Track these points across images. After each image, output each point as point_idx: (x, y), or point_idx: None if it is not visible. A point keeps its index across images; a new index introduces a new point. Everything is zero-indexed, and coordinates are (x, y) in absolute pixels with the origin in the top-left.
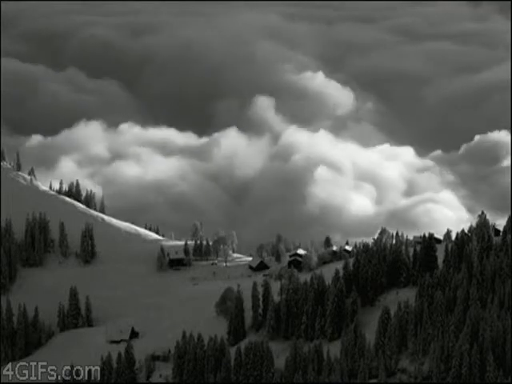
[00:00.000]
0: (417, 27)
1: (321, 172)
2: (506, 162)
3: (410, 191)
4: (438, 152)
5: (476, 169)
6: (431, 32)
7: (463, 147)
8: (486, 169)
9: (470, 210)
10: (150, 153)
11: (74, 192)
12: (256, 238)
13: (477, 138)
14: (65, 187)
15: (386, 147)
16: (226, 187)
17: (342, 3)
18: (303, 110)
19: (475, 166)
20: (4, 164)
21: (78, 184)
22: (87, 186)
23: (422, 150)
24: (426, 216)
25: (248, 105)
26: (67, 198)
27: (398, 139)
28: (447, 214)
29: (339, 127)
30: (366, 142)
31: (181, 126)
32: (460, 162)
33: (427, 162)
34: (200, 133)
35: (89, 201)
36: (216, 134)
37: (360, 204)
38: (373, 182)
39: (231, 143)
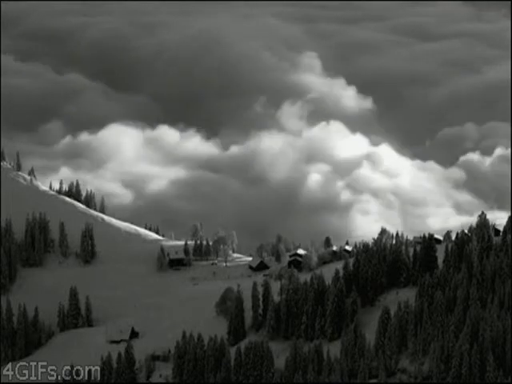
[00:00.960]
0: (423, 27)
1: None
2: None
3: None
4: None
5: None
6: (433, 32)
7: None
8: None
9: None
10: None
11: (73, 192)
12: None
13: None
14: (65, 187)
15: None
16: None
17: (346, 3)
18: (302, 111)
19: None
20: (4, 164)
21: (78, 184)
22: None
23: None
24: None
25: (247, 105)
26: (67, 198)
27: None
28: None
29: (336, 127)
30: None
31: (181, 125)
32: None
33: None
34: (183, 129)
35: (89, 201)
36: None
37: None
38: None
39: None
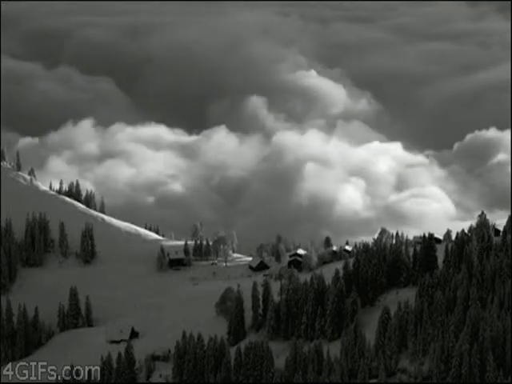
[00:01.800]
0: (414, 27)
1: (309, 168)
2: (496, 159)
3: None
4: (430, 151)
5: (467, 166)
6: (429, 32)
7: (456, 145)
8: (476, 166)
9: (457, 205)
10: (142, 151)
11: (73, 192)
12: (259, 239)
13: (468, 136)
14: (65, 187)
15: (376, 144)
16: (218, 187)
17: (339, 3)
18: (297, 109)
19: (466, 164)
20: (4, 164)
21: (78, 184)
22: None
23: (415, 148)
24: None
25: (242, 104)
26: (67, 198)
27: (390, 137)
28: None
29: (332, 126)
30: (358, 141)
31: (175, 125)
32: (452, 160)
33: (418, 158)
34: (192, 132)
35: (89, 201)
36: (207, 132)
37: (350, 197)
38: (363, 177)
39: (222, 142)
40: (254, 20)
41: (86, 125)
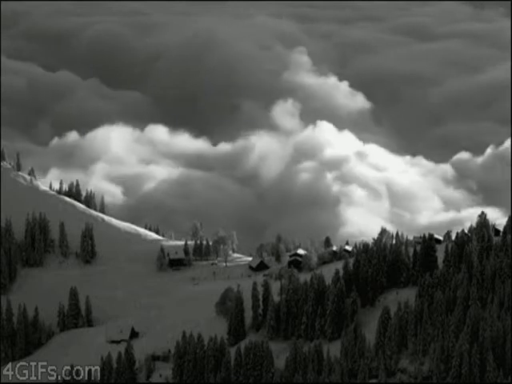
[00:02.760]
0: (423, 27)
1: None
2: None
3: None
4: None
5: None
6: (437, 32)
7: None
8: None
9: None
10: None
11: (73, 192)
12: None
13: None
14: (65, 187)
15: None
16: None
17: (349, 3)
18: (310, 112)
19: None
20: (4, 164)
21: (78, 184)
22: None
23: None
24: None
25: (269, 107)
26: (67, 198)
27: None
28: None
29: (355, 129)
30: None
31: (184, 128)
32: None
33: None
34: (213, 137)
35: (89, 201)
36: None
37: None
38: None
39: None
40: (267, 19)
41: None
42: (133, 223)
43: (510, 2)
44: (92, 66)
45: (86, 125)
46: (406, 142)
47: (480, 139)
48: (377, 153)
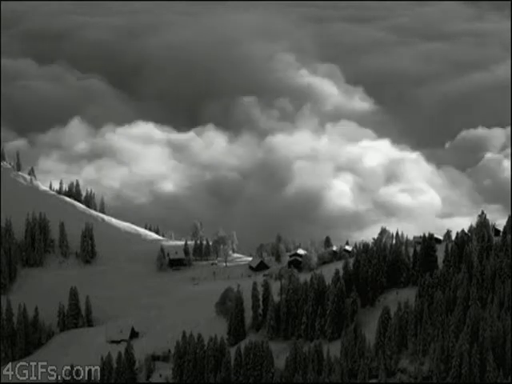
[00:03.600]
0: (412, 27)
1: (300, 165)
2: (487, 157)
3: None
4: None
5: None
6: (429, 32)
7: (447, 144)
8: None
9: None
10: (138, 150)
11: (73, 192)
12: (259, 239)
13: (461, 133)
14: (65, 187)
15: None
16: (214, 187)
17: (338, 3)
18: (296, 109)
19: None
20: (4, 164)
21: (77, 184)
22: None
23: (407, 145)
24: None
25: (236, 104)
26: (67, 198)
27: (382, 134)
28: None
29: (328, 125)
30: (352, 139)
31: (172, 125)
32: (444, 158)
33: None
34: (188, 131)
35: (89, 201)
36: (197, 131)
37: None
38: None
39: (212, 142)
40: (248, 20)
41: (76, 124)
42: (132, 223)
43: (507, 2)
44: (90, 65)
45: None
46: (407, 142)
47: (481, 140)
48: (373, 152)
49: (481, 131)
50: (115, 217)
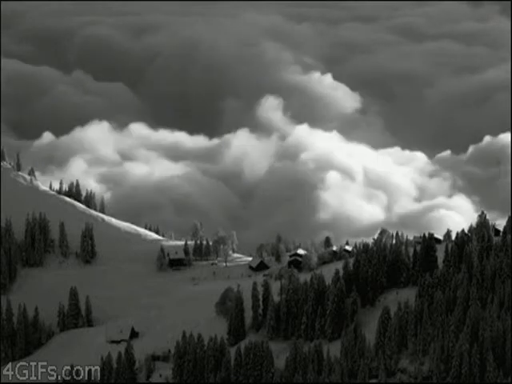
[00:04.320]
0: (419, 27)
1: (331, 177)
2: None
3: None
4: (447, 153)
5: (484, 171)
6: (433, 32)
7: (471, 148)
8: (494, 171)
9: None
10: (157, 154)
11: (73, 192)
12: (259, 239)
13: (485, 139)
14: (65, 187)
15: (396, 150)
16: (233, 188)
17: (345, 3)
18: (308, 111)
19: (483, 168)
20: (4, 164)
21: (78, 184)
22: (95, 187)
23: (431, 151)
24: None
25: (254, 105)
26: (67, 198)
27: (406, 141)
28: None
29: (345, 128)
30: (373, 144)
31: (187, 127)
32: (468, 163)
33: (437, 166)
34: (208, 134)
35: (89, 201)
36: (226, 136)
37: (371, 212)
38: (383, 189)
39: (239, 144)
40: (261, 20)
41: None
42: (133, 223)
43: (508, 2)
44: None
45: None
46: (396, 141)
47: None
48: (365, 153)
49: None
50: (114, 217)
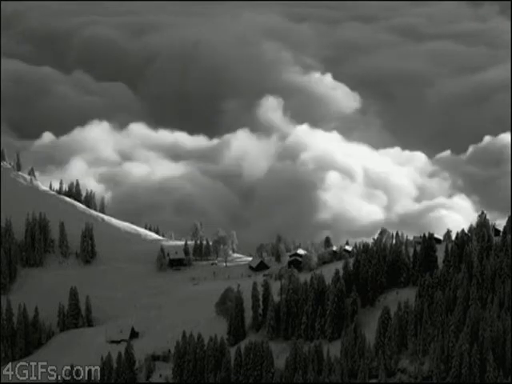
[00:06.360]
0: (419, 27)
1: (331, 177)
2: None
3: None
4: (447, 153)
5: (484, 171)
6: (433, 32)
7: (471, 148)
8: (494, 171)
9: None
10: (157, 154)
11: (73, 192)
12: (259, 239)
13: (485, 139)
14: (65, 187)
15: (396, 151)
16: (233, 188)
17: (345, 3)
18: (308, 111)
19: (483, 168)
20: (4, 164)
21: (78, 184)
22: (95, 187)
23: (431, 151)
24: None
25: (254, 105)
26: (67, 198)
27: (406, 141)
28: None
29: (345, 128)
30: (373, 144)
31: (187, 127)
32: (468, 163)
33: (437, 166)
34: (208, 134)
35: (89, 201)
36: (226, 136)
37: (371, 212)
38: (383, 189)
39: (239, 144)
40: (261, 20)
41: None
42: (133, 223)
43: (508, 2)
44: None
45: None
46: (395, 141)
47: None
48: (365, 153)
49: None
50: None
